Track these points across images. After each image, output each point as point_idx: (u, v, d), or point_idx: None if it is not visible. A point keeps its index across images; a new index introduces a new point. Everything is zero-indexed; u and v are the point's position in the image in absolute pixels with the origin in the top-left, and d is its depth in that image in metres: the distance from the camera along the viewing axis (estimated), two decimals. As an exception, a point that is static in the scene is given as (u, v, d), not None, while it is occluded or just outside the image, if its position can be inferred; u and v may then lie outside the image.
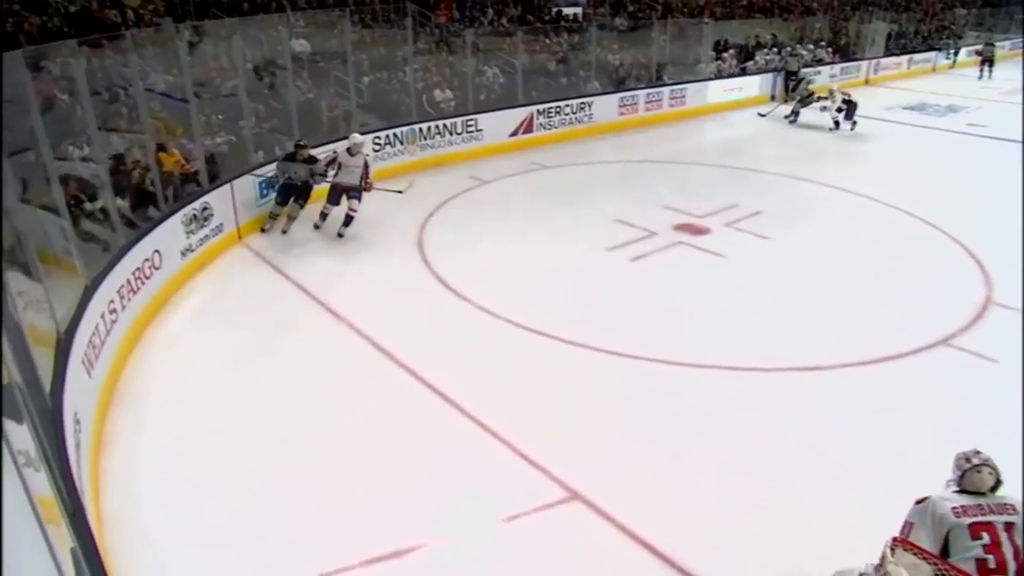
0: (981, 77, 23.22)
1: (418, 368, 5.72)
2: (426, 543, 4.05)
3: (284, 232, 8.44)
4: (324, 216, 8.53)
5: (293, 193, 8.37)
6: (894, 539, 3.02)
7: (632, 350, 6.09)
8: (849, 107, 14.49)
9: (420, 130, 11.32)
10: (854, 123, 14.58)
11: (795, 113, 15.27)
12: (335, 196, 8.42)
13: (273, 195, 8.53)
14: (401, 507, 4.28)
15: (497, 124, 12.41)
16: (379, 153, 10.63)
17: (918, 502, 3.20)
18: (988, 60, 23.62)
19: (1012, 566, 2.98)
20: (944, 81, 22.65)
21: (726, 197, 10.08)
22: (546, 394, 5.49)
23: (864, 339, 6.29)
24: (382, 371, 5.77)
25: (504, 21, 15.97)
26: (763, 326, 6.56)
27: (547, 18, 17.16)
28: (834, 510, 4.28)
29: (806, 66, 18.87)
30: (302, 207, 8.48)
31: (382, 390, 5.53)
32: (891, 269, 7.87)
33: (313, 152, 8.61)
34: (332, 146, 9.10)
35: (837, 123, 14.56)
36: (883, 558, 2.92)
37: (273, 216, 8.49)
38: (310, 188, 8.50)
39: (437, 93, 12.59)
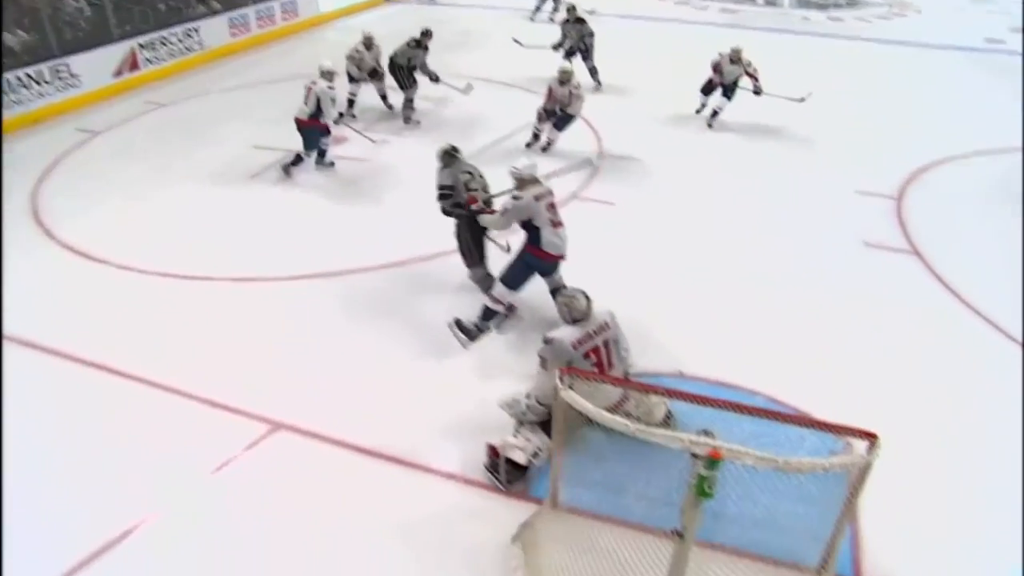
0: None
1: (75, 351, 5.22)
2: (141, 521, 3.92)
3: None
4: None
5: None
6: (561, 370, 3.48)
7: (293, 271, 6.23)
8: None
9: (-4, 85, 9.68)
10: None
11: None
12: None
13: None
14: (105, 496, 4.09)
15: (95, 65, 10.95)
16: (-53, 121, 8.97)
17: (547, 342, 3.96)
18: None
19: (608, 370, 3.98)
20: None
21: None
22: (221, 336, 5.44)
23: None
24: (36, 366, 5.14)
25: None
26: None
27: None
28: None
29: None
30: None
31: (46, 386, 4.99)
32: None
33: None
34: None
35: None
36: (555, 389, 3.30)
37: None
38: None
39: (7, 37, 10.72)
